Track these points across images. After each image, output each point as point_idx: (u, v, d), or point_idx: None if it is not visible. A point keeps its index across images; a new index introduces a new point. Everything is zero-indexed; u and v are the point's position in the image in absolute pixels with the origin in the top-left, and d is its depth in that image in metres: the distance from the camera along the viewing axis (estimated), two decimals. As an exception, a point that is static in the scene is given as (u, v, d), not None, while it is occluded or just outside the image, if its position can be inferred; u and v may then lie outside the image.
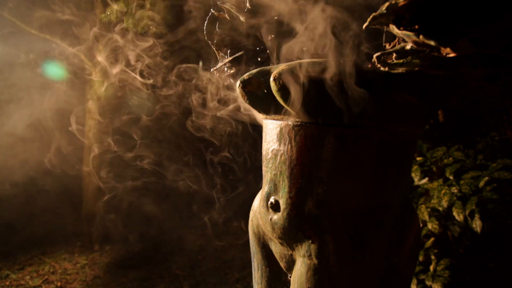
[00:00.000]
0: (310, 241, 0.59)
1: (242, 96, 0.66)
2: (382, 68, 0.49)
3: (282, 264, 0.70)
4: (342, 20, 0.58)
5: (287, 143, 0.60)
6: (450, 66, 0.46)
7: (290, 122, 0.60)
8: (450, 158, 1.68)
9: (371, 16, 0.44)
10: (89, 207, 3.62)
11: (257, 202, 0.72)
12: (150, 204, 4.06)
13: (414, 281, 1.70)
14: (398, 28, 0.42)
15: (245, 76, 0.63)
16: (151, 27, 2.72)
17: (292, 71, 0.54)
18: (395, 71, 0.49)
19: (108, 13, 2.72)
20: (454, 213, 1.49)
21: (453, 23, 0.39)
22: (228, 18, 0.76)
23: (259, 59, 0.73)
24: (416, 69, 0.47)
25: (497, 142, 1.84)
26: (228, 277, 2.99)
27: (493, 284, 1.72)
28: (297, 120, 0.59)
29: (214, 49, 0.80)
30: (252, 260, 0.77)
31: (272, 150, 0.63)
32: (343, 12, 0.58)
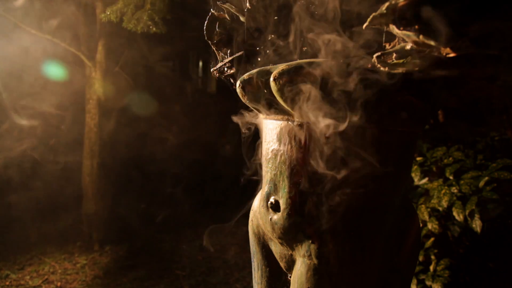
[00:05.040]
0: (310, 241, 0.59)
1: (242, 96, 0.66)
2: (382, 68, 0.49)
3: (282, 264, 0.70)
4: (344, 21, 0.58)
5: (287, 143, 0.60)
6: (450, 66, 0.46)
7: (290, 122, 0.60)
8: (450, 158, 1.68)
9: (371, 16, 0.44)
10: (89, 207, 3.62)
11: (257, 202, 0.72)
12: (150, 204, 4.07)
13: (414, 281, 1.70)
14: (398, 28, 0.42)
15: (245, 76, 0.63)
16: (150, 27, 2.71)
17: (292, 71, 0.54)
18: (395, 71, 0.49)
19: (108, 12, 2.71)
20: (454, 213, 1.49)
21: (453, 23, 0.39)
22: (228, 18, 0.76)
23: (259, 59, 0.73)
24: (416, 69, 0.47)
25: (497, 142, 1.83)
26: (228, 277, 2.99)
27: (493, 284, 1.71)
28: (297, 120, 0.59)
29: (214, 49, 0.80)
30: (252, 260, 0.76)
31: (272, 150, 0.63)
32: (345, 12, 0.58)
